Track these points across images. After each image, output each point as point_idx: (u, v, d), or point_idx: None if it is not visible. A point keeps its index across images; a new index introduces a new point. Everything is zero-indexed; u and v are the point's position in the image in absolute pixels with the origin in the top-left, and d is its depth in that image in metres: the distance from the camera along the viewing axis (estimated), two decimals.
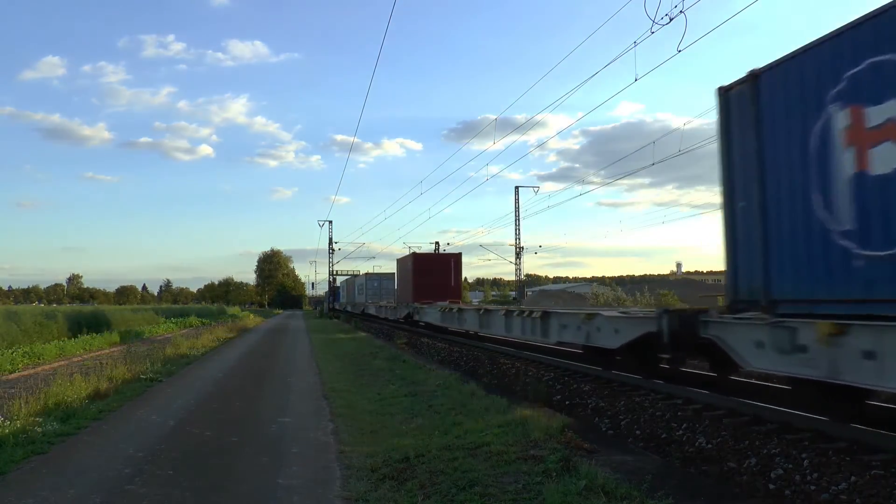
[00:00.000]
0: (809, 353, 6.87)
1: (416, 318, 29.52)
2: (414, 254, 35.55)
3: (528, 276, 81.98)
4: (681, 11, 11.57)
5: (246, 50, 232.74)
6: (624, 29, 18.31)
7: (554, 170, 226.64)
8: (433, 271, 33.09)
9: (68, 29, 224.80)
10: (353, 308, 61.08)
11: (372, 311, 46.43)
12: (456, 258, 34.90)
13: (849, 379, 6.48)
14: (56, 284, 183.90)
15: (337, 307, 75.67)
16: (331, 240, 73.76)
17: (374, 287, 53.41)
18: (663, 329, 9.60)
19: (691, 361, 11.49)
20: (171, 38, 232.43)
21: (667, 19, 11.78)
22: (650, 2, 11.71)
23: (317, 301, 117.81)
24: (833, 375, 6.60)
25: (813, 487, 6.50)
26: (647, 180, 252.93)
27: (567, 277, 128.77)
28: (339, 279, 77.92)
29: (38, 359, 19.61)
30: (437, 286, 31.85)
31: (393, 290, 50.11)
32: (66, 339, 24.97)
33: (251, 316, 66.80)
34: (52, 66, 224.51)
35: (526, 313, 14.94)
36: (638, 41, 14.02)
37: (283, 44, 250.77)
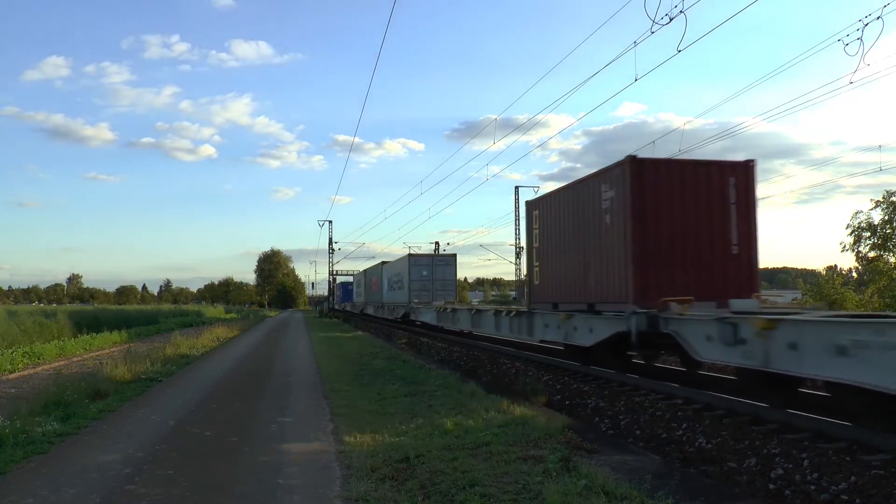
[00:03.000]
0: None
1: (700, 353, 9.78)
2: (633, 159, 11.77)
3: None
4: (681, 11, 11.55)
5: (250, 50, 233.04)
6: (624, 29, 18.36)
7: (555, 170, 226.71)
8: (684, 206, 11.90)
9: (72, 29, 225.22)
10: (377, 311, 43.98)
11: (427, 317, 28.60)
12: (741, 172, 12.37)
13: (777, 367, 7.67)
14: (56, 284, 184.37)
15: (347, 309, 65.01)
16: (331, 240, 73.86)
17: (423, 277, 33.78)
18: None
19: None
20: (174, 38, 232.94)
21: (667, 19, 11.76)
22: (650, 2, 11.58)
23: (317, 301, 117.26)
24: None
25: (813, 487, 6.50)
26: None
27: None
28: (339, 278, 77.32)
29: (39, 358, 19.68)
30: (699, 249, 11.92)
31: (453, 283, 34.96)
32: None
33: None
34: (55, 66, 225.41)
35: None
36: (638, 41, 13.90)
37: (286, 44, 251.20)
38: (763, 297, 12.32)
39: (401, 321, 35.62)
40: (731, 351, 8.68)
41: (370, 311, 47.61)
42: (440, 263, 34.99)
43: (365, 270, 53.94)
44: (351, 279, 69.18)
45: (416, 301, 32.37)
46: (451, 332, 25.72)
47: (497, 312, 18.59)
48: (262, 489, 6.19)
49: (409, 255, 35.73)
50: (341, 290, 73.19)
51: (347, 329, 40.07)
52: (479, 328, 20.48)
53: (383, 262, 43.77)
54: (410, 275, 33.91)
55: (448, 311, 24.37)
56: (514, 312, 17.31)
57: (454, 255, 36.79)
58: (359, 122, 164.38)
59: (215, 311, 74.55)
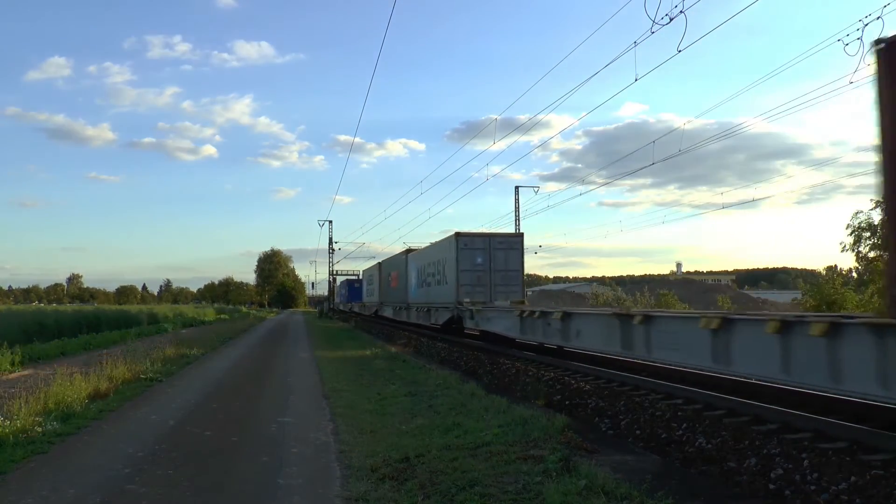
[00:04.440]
0: None
1: None
2: None
3: (528, 275, 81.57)
4: (681, 11, 11.58)
5: (251, 50, 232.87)
6: (624, 29, 18.41)
7: (556, 170, 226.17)
8: None
9: (74, 30, 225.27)
10: (398, 313, 35.20)
11: (499, 326, 19.09)
12: None
13: None
14: (56, 284, 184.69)
15: (355, 310, 59.70)
16: (331, 239, 73.89)
17: (477, 267, 23.29)
18: None
19: None
20: (177, 38, 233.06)
21: (667, 19, 11.79)
22: (650, 2, 11.57)
23: (318, 301, 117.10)
24: None
25: (813, 487, 6.50)
26: (648, 180, 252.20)
27: (567, 277, 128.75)
28: (340, 278, 77.13)
29: (39, 359, 19.67)
30: None
31: (518, 276, 23.84)
32: None
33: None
34: (57, 66, 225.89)
35: None
36: (638, 41, 13.90)
37: (288, 44, 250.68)
38: None
39: (442, 329, 25.42)
40: None
41: (388, 313, 38.87)
42: (500, 247, 23.64)
43: (380, 263, 43.87)
44: (355, 278, 66.51)
45: (468, 300, 22.67)
46: (538, 349, 16.85)
47: (747, 323, 8.67)
48: (262, 489, 6.19)
49: (457, 234, 23.95)
50: (346, 288, 68.01)
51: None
52: (668, 356, 10.61)
53: (408, 251, 33.37)
54: (459, 263, 23.19)
55: (553, 317, 13.89)
56: (821, 330, 7.24)
57: (521, 235, 25.45)
58: (359, 121, 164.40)
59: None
